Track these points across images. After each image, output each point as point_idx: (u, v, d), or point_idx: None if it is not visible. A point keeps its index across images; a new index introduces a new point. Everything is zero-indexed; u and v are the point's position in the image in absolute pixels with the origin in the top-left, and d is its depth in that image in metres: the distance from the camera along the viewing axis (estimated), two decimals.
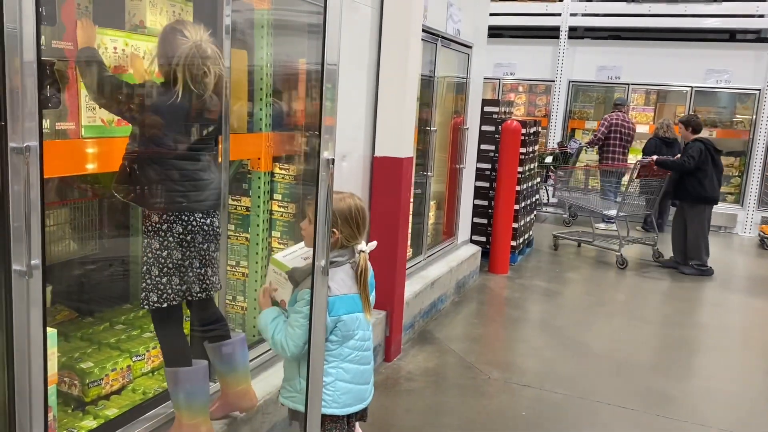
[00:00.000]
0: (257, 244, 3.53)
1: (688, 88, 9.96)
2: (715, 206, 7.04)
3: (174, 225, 2.35)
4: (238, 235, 3.59)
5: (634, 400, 3.88)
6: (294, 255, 2.41)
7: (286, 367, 2.38)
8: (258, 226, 3.51)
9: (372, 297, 2.39)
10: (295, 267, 2.35)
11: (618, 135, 9.01)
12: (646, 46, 10.03)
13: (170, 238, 2.34)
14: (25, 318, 1.78)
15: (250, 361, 3.13)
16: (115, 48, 2.41)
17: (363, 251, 2.30)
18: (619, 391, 4.00)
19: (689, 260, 7.01)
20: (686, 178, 6.82)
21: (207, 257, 2.47)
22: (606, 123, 9.10)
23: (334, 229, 2.24)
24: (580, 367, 4.36)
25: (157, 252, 2.34)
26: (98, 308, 3.30)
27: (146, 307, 2.38)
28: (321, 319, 2.18)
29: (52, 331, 2.15)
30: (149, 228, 2.35)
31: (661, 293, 6.43)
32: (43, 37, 2.15)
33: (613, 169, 8.98)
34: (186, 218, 2.37)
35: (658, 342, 5.03)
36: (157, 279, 2.35)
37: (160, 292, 2.36)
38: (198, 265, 2.44)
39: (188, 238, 2.38)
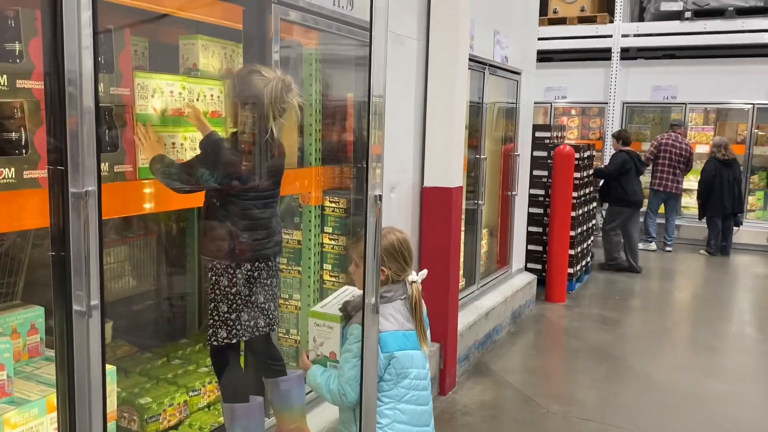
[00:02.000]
0: (309, 277, 3.56)
1: (750, 106, 9.61)
2: None
3: (242, 264, 2.41)
4: (290, 268, 3.62)
5: None
6: (331, 304, 2.38)
7: (342, 410, 2.35)
8: (309, 259, 3.54)
9: (428, 334, 2.34)
10: (347, 301, 2.33)
11: (667, 155, 8.77)
12: (702, 64, 9.75)
13: (239, 275, 2.40)
14: (85, 357, 1.83)
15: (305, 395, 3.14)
16: (171, 92, 2.50)
17: (414, 281, 2.26)
18: (687, 426, 3.80)
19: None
20: (612, 184, 7.57)
21: (270, 292, 2.53)
22: (655, 143, 8.92)
23: (383, 267, 2.23)
24: (643, 400, 4.18)
25: (226, 289, 2.39)
26: (156, 343, 3.38)
27: (215, 343, 2.41)
28: (373, 357, 2.16)
29: (111, 369, 2.21)
30: (216, 266, 2.39)
31: (726, 320, 6.13)
32: (101, 85, 2.25)
33: (659, 189, 8.81)
34: (255, 264, 2.44)
35: (728, 372, 4.78)
36: (225, 315, 2.39)
37: (229, 329, 2.40)
38: (263, 300, 2.49)
39: (255, 275, 2.44)
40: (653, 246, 9.07)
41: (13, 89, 1.87)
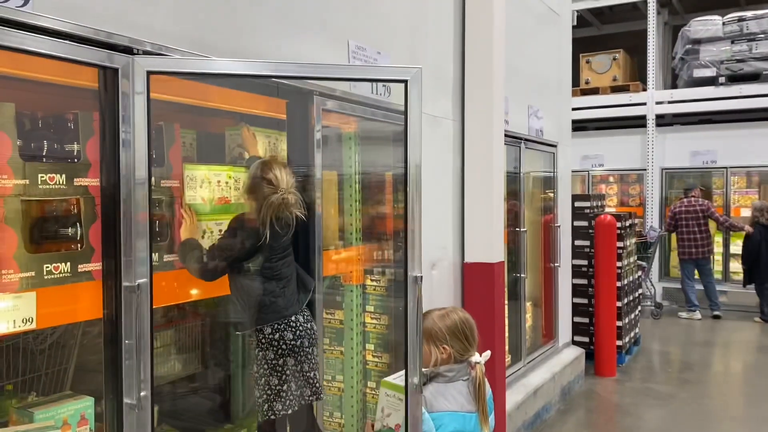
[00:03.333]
0: (352, 357, 3.52)
1: None
2: None
3: (285, 333, 2.50)
4: (333, 348, 3.60)
5: None
6: (404, 377, 2.37)
7: None
8: (352, 339, 3.52)
9: (491, 419, 2.29)
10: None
11: (683, 222, 8.72)
12: (741, 128, 9.67)
13: (283, 346, 2.49)
14: None
15: None
16: (218, 181, 2.59)
17: (478, 362, 2.23)
18: None
19: None
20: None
21: (313, 361, 2.60)
22: (670, 213, 8.90)
23: (445, 346, 2.21)
24: None
25: (273, 362, 2.47)
26: (200, 428, 3.35)
27: (272, 416, 2.47)
28: None
29: None
30: (262, 341, 2.50)
31: None
32: (153, 178, 2.36)
33: (684, 257, 8.73)
34: (293, 324, 2.52)
35: None
36: (278, 387, 2.46)
37: (283, 400, 2.46)
38: (307, 368, 2.55)
39: (298, 343, 2.52)
40: (698, 315, 8.81)
41: (71, 187, 1.97)
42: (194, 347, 3.50)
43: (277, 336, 2.48)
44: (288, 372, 2.49)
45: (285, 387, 2.47)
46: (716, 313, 8.81)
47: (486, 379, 2.29)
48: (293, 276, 2.65)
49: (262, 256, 2.56)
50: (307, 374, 2.56)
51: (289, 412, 2.49)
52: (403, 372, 2.40)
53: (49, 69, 1.94)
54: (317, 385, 2.61)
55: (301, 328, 2.55)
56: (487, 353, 2.28)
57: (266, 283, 2.55)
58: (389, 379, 2.36)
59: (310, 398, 2.57)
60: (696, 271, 8.85)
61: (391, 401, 2.34)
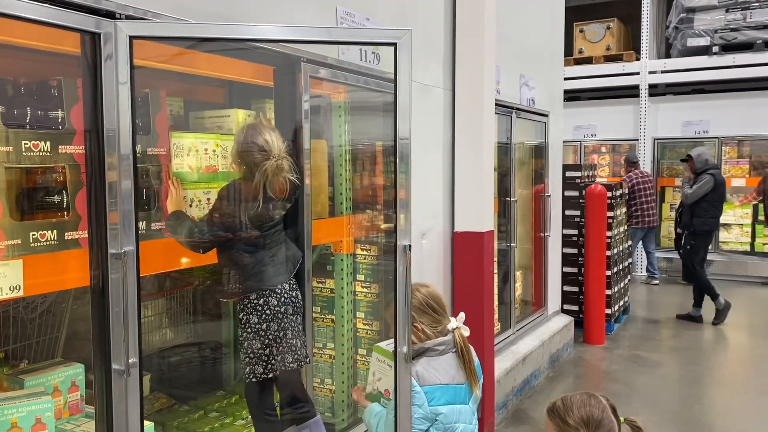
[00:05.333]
0: (342, 325, 3.55)
1: None
2: None
3: (269, 299, 2.51)
4: (323, 317, 3.63)
5: None
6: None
7: None
8: (342, 307, 3.55)
9: (479, 378, 2.32)
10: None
11: (642, 192, 8.89)
12: (734, 98, 9.66)
13: (267, 311, 2.50)
14: (123, 414, 1.86)
15: None
16: (206, 150, 2.58)
17: (456, 327, 2.25)
18: None
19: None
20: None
21: (297, 329, 2.61)
22: (629, 185, 8.87)
23: (416, 324, 2.23)
24: None
25: (256, 326, 2.49)
26: (193, 395, 3.39)
27: (254, 379, 2.50)
28: (406, 405, 2.14)
29: (149, 425, 2.22)
30: (246, 305, 2.51)
31: None
32: (139, 146, 2.34)
33: (641, 225, 8.90)
34: (279, 291, 2.53)
35: None
36: (260, 351, 2.49)
37: (264, 364, 2.49)
38: (291, 335, 2.57)
39: (282, 309, 2.53)
40: (657, 281, 9.36)
41: (56, 154, 1.96)
42: (186, 315, 3.52)
43: (261, 301, 2.50)
44: (270, 337, 2.51)
45: (267, 351, 2.50)
46: (656, 282, 9.31)
47: (470, 346, 2.31)
48: (282, 245, 2.65)
49: (252, 225, 2.55)
50: (291, 341, 2.57)
51: (270, 376, 2.51)
52: (392, 341, 2.43)
53: (32, 34, 1.92)
54: (299, 351, 2.61)
55: (286, 295, 2.56)
56: (462, 316, 2.30)
57: (255, 252, 2.54)
58: (381, 345, 2.39)
59: (292, 364, 2.58)
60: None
61: (382, 367, 2.38)
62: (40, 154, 1.92)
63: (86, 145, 1.91)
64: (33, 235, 1.89)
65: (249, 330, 2.49)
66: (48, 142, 1.93)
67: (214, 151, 2.60)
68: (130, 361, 1.81)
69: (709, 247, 7.41)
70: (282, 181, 2.52)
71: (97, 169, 1.88)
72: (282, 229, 2.68)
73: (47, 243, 1.93)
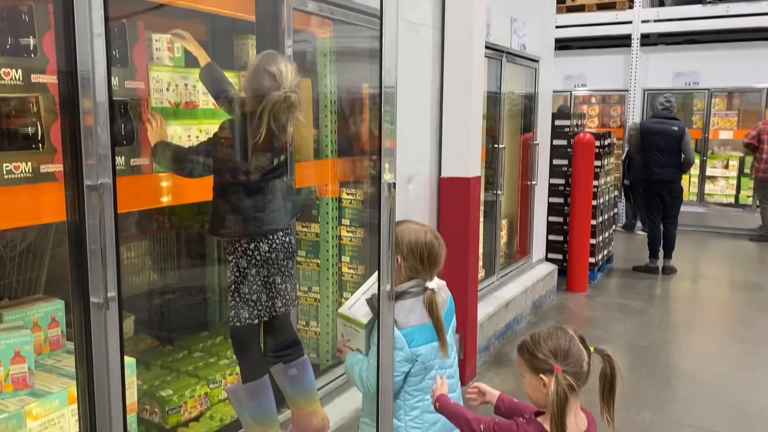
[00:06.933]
0: (327, 269, 3.56)
1: None
2: None
3: (260, 244, 2.44)
4: (309, 261, 3.63)
5: (728, 424, 3.62)
6: (358, 303, 2.37)
7: (366, 402, 2.35)
8: (328, 251, 3.54)
9: (452, 327, 2.33)
10: (374, 294, 2.31)
11: None
12: (725, 49, 9.57)
13: (257, 257, 2.43)
14: (103, 349, 1.84)
15: (324, 386, 3.14)
16: (186, 85, 2.50)
17: (430, 289, 2.23)
18: (711, 415, 3.75)
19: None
20: None
21: (287, 273, 2.56)
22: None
23: (398, 256, 2.21)
24: (668, 390, 4.12)
25: (245, 271, 2.42)
26: (177, 336, 3.40)
27: (238, 324, 2.44)
28: (389, 344, 2.15)
29: (130, 360, 2.23)
30: (237, 249, 2.43)
31: (755, 307, 6.02)
32: (116, 79, 2.26)
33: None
34: (270, 237, 2.47)
35: (753, 361, 4.69)
36: (247, 296, 2.43)
37: (251, 309, 2.43)
38: (280, 281, 2.52)
39: (273, 255, 2.47)
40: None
41: (29, 84, 1.89)
42: (170, 258, 3.50)
43: (252, 246, 2.44)
44: (259, 282, 2.45)
45: (255, 297, 2.44)
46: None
47: (445, 290, 2.29)
48: (280, 192, 2.55)
49: (251, 164, 2.44)
50: (279, 286, 2.52)
51: (256, 321, 2.45)
52: (354, 299, 2.39)
53: None
54: (288, 297, 2.57)
55: (278, 241, 2.50)
56: (443, 283, 2.27)
57: (253, 196, 2.44)
58: (343, 310, 2.36)
59: (281, 309, 2.55)
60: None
61: (348, 330, 2.36)
62: (12, 83, 1.85)
63: (59, 74, 1.84)
64: (6, 167, 1.84)
65: (237, 274, 2.43)
66: (20, 70, 1.85)
67: (194, 86, 2.53)
68: (109, 294, 1.78)
69: (658, 198, 7.01)
70: (287, 118, 2.39)
71: (71, 100, 1.81)
72: (284, 172, 2.59)
73: (22, 175, 1.88)
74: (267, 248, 2.45)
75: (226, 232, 2.45)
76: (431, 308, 2.20)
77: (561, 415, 1.78)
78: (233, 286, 2.43)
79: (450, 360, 2.27)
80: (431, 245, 2.23)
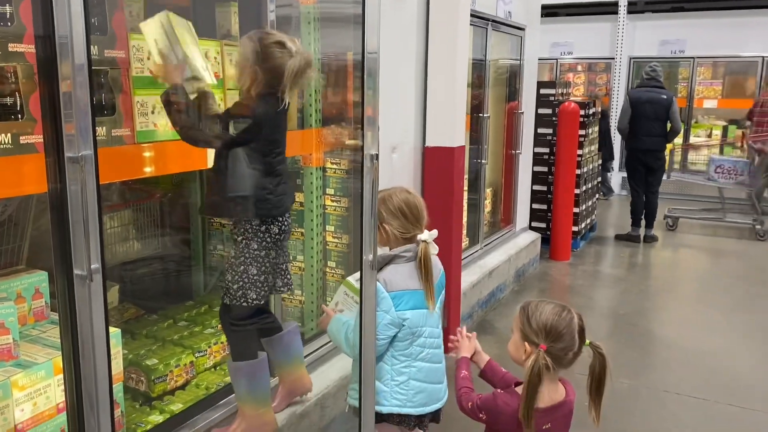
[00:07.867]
0: (312, 238, 3.57)
1: (760, 58, 9.44)
2: None
3: (272, 227, 2.45)
4: (293, 230, 3.63)
5: (703, 390, 3.73)
6: None
7: (356, 368, 2.38)
8: (312, 221, 3.55)
9: (439, 300, 2.36)
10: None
11: None
12: (712, 17, 9.55)
13: (268, 239, 2.44)
14: (88, 320, 1.85)
15: (309, 355, 3.19)
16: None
17: (424, 240, 2.26)
18: (687, 380, 3.85)
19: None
20: None
21: (287, 253, 2.61)
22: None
23: (383, 224, 2.24)
24: (646, 356, 4.22)
25: (255, 252, 2.42)
26: (162, 306, 3.41)
27: (244, 304, 2.45)
28: (371, 312, 2.18)
29: (116, 331, 2.24)
30: (248, 230, 2.42)
31: (733, 276, 6.14)
32: (96, 47, 2.23)
33: None
34: (281, 220, 2.48)
35: (729, 328, 4.81)
36: (255, 277, 2.44)
37: (258, 290, 2.45)
38: (281, 261, 2.55)
39: (281, 237, 2.49)
40: None
41: (5, 53, 1.85)
42: (153, 228, 3.49)
43: (263, 228, 2.44)
44: (267, 264, 2.47)
45: (263, 278, 2.46)
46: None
47: (436, 259, 2.33)
48: (287, 174, 2.55)
49: (270, 140, 2.42)
50: (281, 266, 2.56)
51: (262, 302, 2.49)
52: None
53: None
54: (288, 276, 2.62)
55: (286, 223, 2.52)
56: (434, 232, 2.31)
57: (263, 177, 2.42)
58: (351, 279, 2.40)
59: (282, 289, 2.59)
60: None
61: (347, 300, 2.40)
62: None
63: (37, 43, 1.80)
64: None
65: (247, 255, 2.42)
66: None
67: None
68: (93, 266, 1.78)
69: (643, 167, 7.04)
70: (305, 82, 2.39)
71: (50, 70, 1.78)
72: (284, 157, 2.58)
73: (1, 147, 1.85)
74: (277, 230, 2.47)
75: (237, 212, 2.44)
76: (425, 259, 2.24)
77: (532, 389, 1.83)
78: (242, 267, 2.42)
79: (437, 330, 2.32)
80: (406, 200, 2.29)
